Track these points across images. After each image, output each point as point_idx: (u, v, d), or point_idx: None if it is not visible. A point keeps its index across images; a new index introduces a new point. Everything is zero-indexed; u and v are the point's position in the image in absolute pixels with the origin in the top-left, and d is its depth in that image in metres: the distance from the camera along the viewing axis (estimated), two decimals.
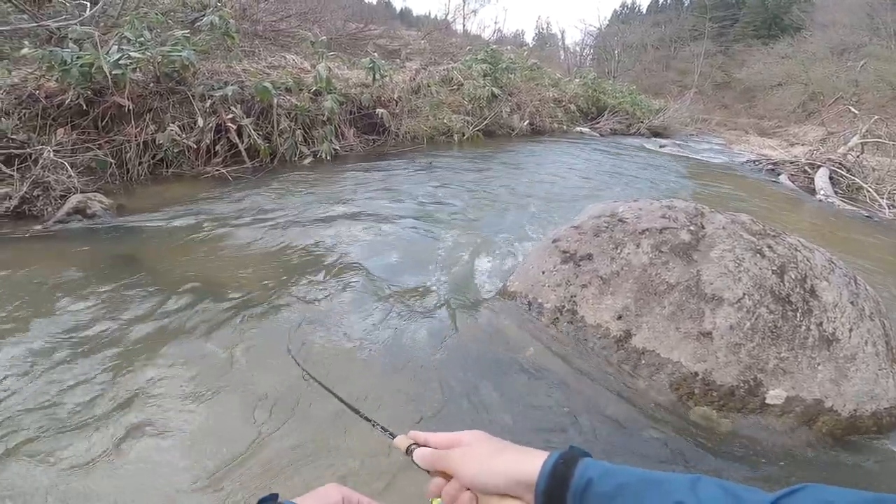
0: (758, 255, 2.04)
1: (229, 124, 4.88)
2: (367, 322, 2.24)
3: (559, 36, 46.37)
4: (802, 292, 1.99)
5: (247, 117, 5.04)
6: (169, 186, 4.32)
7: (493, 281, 2.70)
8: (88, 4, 4.90)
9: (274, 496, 0.52)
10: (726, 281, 1.97)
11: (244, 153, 4.99)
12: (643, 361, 1.96)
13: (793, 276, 2.00)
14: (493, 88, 8.76)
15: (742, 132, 17.75)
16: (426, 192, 4.57)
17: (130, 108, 4.29)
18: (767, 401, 1.83)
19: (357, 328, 2.18)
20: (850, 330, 1.96)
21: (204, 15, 5.29)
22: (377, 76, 6.95)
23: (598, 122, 12.25)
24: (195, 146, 4.71)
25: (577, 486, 0.44)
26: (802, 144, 12.39)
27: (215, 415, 1.64)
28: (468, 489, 0.52)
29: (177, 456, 1.47)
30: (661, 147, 10.42)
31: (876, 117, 9.90)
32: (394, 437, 0.64)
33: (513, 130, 9.12)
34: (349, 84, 6.82)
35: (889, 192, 6.19)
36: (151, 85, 4.66)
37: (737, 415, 1.83)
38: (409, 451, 0.60)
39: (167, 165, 4.63)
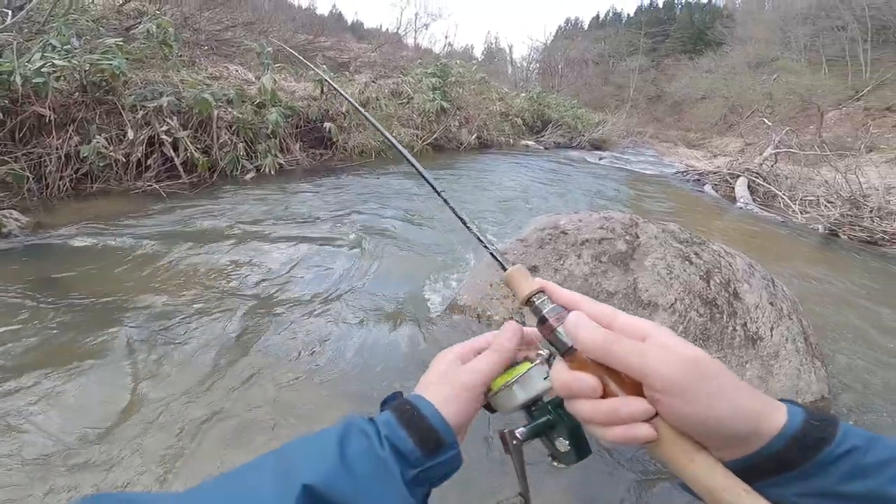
0: (686, 261, 2.19)
1: (164, 137, 4.62)
2: (312, 346, 2.17)
3: (507, 51, 48.07)
4: (727, 295, 2.15)
5: (184, 129, 4.79)
6: (94, 203, 4.01)
7: (442, 296, 2.71)
8: (10, 12, 4.49)
9: (397, 394, 0.47)
10: (660, 287, 2.09)
11: (180, 167, 4.73)
12: None
13: (718, 281, 2.16)
14: (443, 102, 8.91)
15: (672, 144, 19.11)
16: (374, 208, 4.53)
17: (52, 118, 3.96)
18: None
19: (300, 353, 2.11)
20: (772, 329, 2.13)
21: (140, 23, 5.01)
22: (325, 89, 6.86)
23: (542, 136, 12.76)
24: (124, 159, 4.41)
25: (831, 453, 0.35)
26: (725, 155, 13.53)
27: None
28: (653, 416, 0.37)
29: None
30: (600, 159, 11.01)
31: (787, 128, 11.00)
32: (506, 269, 0.47)
33: (461, 144, 9.29)
34: (295, 96, 6.69)
35: (801, 199, 6.87)
36: (77, 94, 4.33)
37: None
38: (530, 302, 0.43)
39: (92, 180, 4.30)
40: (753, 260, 2.45)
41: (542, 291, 0.43)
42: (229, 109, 5.35)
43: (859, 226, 5.71)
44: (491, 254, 0.53)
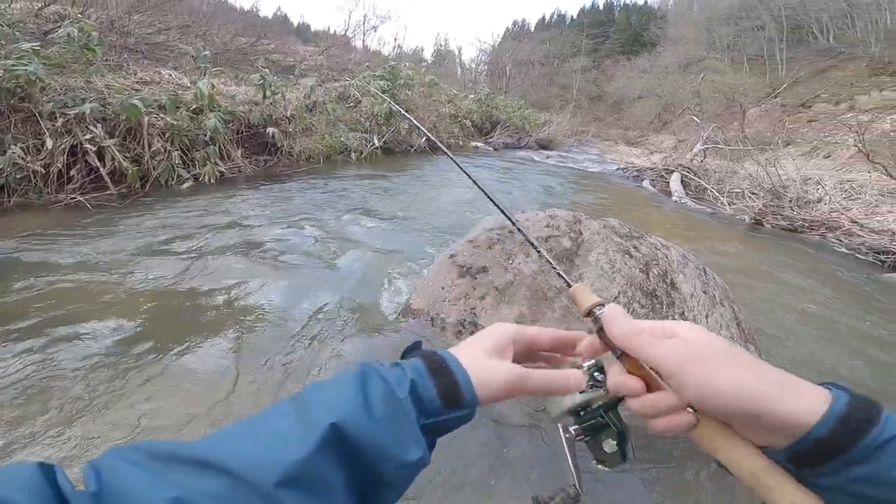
0: (627, 255, 2.30)
1: (87, 146, 4.28)
2: (261, 361, 2.09)
3: (456, 53, 48.58)
4: (665, 286, 2.28)
5: (110, 137, 4.46)
6: (11, 218, 3.65)
7: (396, 301, 2.69)
8: None
9: (417, 343, 0.48)
10: (604, 281, 2.18)
11: (107, 178, 4.39)
12: None
13: (656, 273, 2.29)
14: (392, 105, 8.84)
15: (613, 142, 20.10)
16: (321, 215, 4.42)
17: None
18: None
19: (250, 368, 2.02)
20: (707, 316, 2.27)
21: (60, 26, 4.60)
22: (268, 93, 6.63)
23: (491, 137, 12.99)
24: (43, 170, 4.05)
25: (876, 437, 0.34)
26: (660, 152, 14.38)
27: None
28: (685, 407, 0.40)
29: None
30: (547, 158, 11.38)
31: (714, 125, 11.85)
32: (571, 286, 0.51)
33: (411, 147, 9.28)
34: (236, 101, 6.40)
35: (728, 192, 7.42)
36: None
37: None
38: (591, 314, 0.47)
39: (9, 194, 3.91)
40: (686, 250, 2.62)
41: (601, 305, 0.47)
42: (162, 116, 5.04)
43: (781, 215, 6.25)
44: (558, 273, 0.59)
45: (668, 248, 2.48)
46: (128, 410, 1.72)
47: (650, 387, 0.42)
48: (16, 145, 3.90)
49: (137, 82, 5.83)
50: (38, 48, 4.24)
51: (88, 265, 2.86)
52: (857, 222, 5.66)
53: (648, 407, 0.41)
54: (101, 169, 4.37)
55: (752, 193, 7.01)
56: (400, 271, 3.15)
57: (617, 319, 0.44)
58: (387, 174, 6.87)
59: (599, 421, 0.47)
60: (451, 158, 0.83)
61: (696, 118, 14.43)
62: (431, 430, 0.42)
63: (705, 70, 25.69)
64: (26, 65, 3.95)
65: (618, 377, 0.44)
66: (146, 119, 4.77)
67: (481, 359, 0.45)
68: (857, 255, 5.15)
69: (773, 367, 0.39)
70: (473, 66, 42.33)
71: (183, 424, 1.68)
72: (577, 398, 0.47)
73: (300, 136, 6.93)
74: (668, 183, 8.28)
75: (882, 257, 4.93)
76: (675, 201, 7.30)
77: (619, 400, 0.46)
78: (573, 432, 0.48)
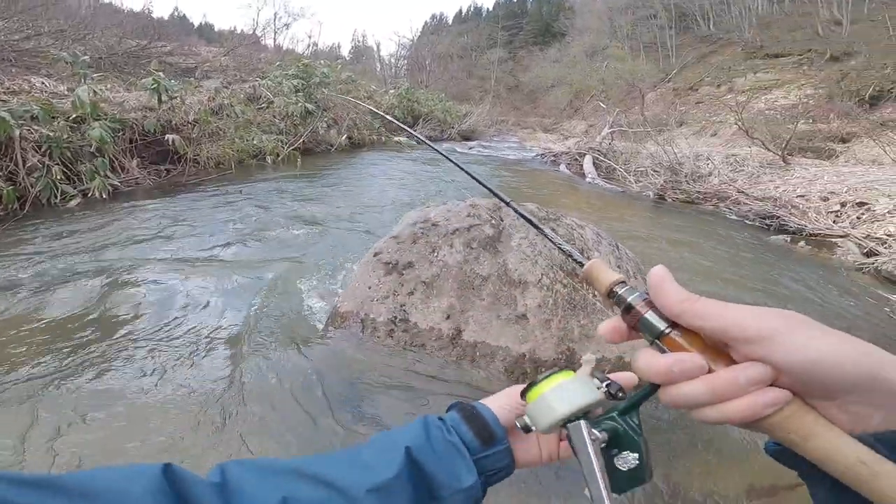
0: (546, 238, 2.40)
1: None
2: (189, 382, 1.91)
3: (375, 48, 47.60)
4: None
5: None
6: None
7: (323, 307, 2.59)
8: None
9: (460, 401, 0.55)
10: (527, 265, 2.26)
11: None
12: (478, 353, 2.12)
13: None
14: (307, 104, 8.50)
15: (532, 130, 20.94)
16: (234, 225, 4.13)
17: None
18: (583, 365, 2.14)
19: (174, 391, 1.85)
20: None
21: None
22: (164, 97, 6.05)
23: (414, 131, 12.96)
24: None
25: None
26: (574, 137, 15.24)
27: None
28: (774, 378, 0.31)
29: None
30: (470, 149, 11.61)
31: (618, 110, 12.76)
32: (584, 265, 0.41)
33: (331, 146, 9.00)
34: (126, 108, 5.78)
35: (634, 170, 8.04)
36: None
37: None
38: (612, 294, 0.38)
39: None
40: (600, 229, 2.79)
41: (623, 282, 0.38)
42: (36, 128, 4.42)
43: (679, 189, 6.90)
44: (564, 251, 0.50)
45: (583, 228, 2.63)
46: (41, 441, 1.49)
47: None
48: None
49: (5, 92, 5.07)
50: None
51: None
52: (743, 192, 6.40)
53: (723, 386, 0.32)
54: None
55: (654, 171, 7.66)
56: (324, 276, 3.05)
57: (667, 283, 0.35)
58: (306, 176, 6.59)
59: (615, 429, 0.38)
60: (431, 146, 0.92)
61: (602, 104, 15.46)
62: (479, 469, 0.49)
63: (609, 58, 27.51)
64: None
65: (662, 358, 0.34)
66: (17, 132, 4.16)
67: (512, 399, 0.53)
68: (746, 221, 5.82)
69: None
70: (393, 61, 41.88)
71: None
72: (577, 402, 0.39)
73: (206, 141, 6.42)
74: (582, 165, 8.80)
75: (767, 222, 5.62)
76: (589, 182, 7.78)
77: (644, 397, 0.38)
78: (599, 436, 0.38)
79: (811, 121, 11.98)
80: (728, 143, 11.39)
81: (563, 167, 9.20)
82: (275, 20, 27.39)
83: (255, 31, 23.33)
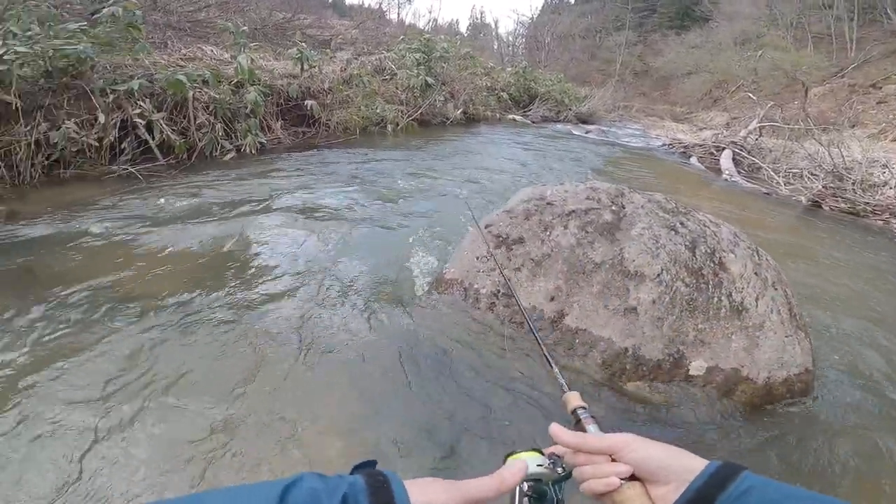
0: (672, 231, 2.18)
1: (137, 120, 4.45)
2: (304, 325, 2.14)
3: (493, 26, 47.06)
4: (713, 265, 2.15)
5: (158, 112, 4.62)
6: (69, 188, 3.88)
7: (428, 270, 2.68)
8: None
9: (371, 462, 0.51)
10: (646, 258, 2.09)
11: (156, 150, 4.57)
12: (577, 340, 2.03)
13: (703, 251, 2.16)
14: (427, 78, 8.72)
15: (658, 118, 19.06)
16: (357, 186, 4.45)
17: (18, 105, 3.79)
18: (691, 372, 1.91)
19: (291, 333, 2.08)
20: (757, 299, 2.10)
21: (104, 6, 4.75)
22: (305, 66, 6.66)
23: (529, 110, 12.61)
24: (97, 144, 4.25)
25: (736, 489, 0.46)
26: (710, 129, 13.54)
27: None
28: (628, 477, 0.53)
29: None
30: (586, 133, 10.94)
31: (772, 103, 11.03)
32: (566, 392, 0.66)
33: (447, 119, 9.15)
34: (275, 75, 6.47)
35: (784, 171, 6.93)
36: (42, 81, 4.14)
37: (666, 387, 1.91)
38: (575, 413, 0.62)
39: (65, 166, 4.15)
40: (738, 230, 2.46)
41: (584, 407, 0.62)
42: (205, 90, 5.16)
43: (842, 197, 5.79)
44: (557, 374, 0.72)
45: (717, 226, 2.34)
46: (170, 366, 1.81)
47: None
48: (70, 120, 4.09)
49: (181, 59, 5.98)
50: (85, 28, 4.39)
51: (143, 230, 3.01)
52: None
53: (591, 472, 0.55)
54: (151, 141, 4.55)
55: (812, 174, 6.51)
56: (433, 241, 3.14)
57: (562, 432, 0.59)
58: (423, 146, 6.82)
59: (546, 491, 0.58)
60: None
61: (752, 95, 13.43)
62: None
63: (765, 47, 23.79)
64: (75, 45, 4.11)
65: (605, 467, 0.56)
66: (191, 94, 4.91)
67: (425, 488, 0.46)
68: None
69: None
70: (511, 39, 40.97)
71: (216, 381, 1.75)
72: (534, 470, 0.57)
73: (337, 108, 6.96)
74: (718, 160, 7.81)
75: None
76: (726, 179, 6.89)
77: (566, 477, 0.58)
78: (527, 487, 0.59)
79: None
80: None
81: (694, 160, 8.26)
82: None
83: (380, 5, 24.34)
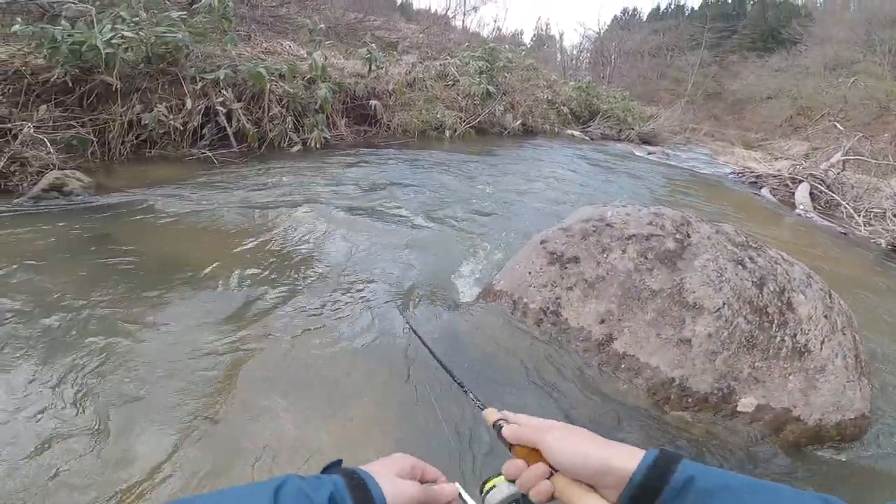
0: (739, 265, 2.08)
1: (219, 108, 4.80)
2: (350, 323, 2.21)
3: (557, 38, 46.52)
4: (780, 304, 2.03)
5: (238, 101, 4.95)
6: (151, 167, 4.24)
7: (478, 280, 2.70)
8: None
9: (338, 462, 0.53)
10: (707, 290, 2.00)
11: (232, 137, 4.90)
12: (623, 365, 1.99)
13: (771, 289, 2.05)
14: (489, 86, 8.76)
15: (728, 143, 18.04)
16: (414, 188, 4.55)
17: (118, 87, 4.19)
18: (739, 408, 1.87)
19: (338, 329, 2.16)
20: (822, 342, 2.01)
21: None
22: (373, 67, 6.90)
23: (589, 126, 12.34)
24: (182, 128, 4.61)
25: (677, 481, 0.44)
26: (786, 158, 12.66)
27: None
28: (550, 475, 0.52)
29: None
30: (648, 154, 10.55)
31: (860, 135, 10.17)
32: (483, 409, 0.66)
33: (505, 129, 9.14)
34: (344, 73, 6.76)
35: (866, 210, 6.37)
36: (141, 65, 4.55)
37: (710, 420, 1.87)
38: (495, 426, 0.62)
39: (151, 146, 4.54)
40: (811, 270, 2.30)
41: (504, 420, 0.62)
42: (281, 84, 5.47)
43: None
44: (470, 396, 0.72)
45: (790, 265, 2.20)
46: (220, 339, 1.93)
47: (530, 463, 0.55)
48: (161, 104, 4.48)
49: (262, 52, 6.38)
50: (184, 17, 4.78)
51: (215, 209, 3.24)
52: None
53: (528, 479, 0.53)
54: (228, 129, 4.88)
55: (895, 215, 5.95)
56: (484, 251, 3.16)
57: (515, 431, 0.58)
58: (479, 154, 6.86)
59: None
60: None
61: (838, 125, 12.42)
62: None
63: (858, 74, 21.92)
64: (175, 32, 4.49)
65: (508, 464, 0.56)
66: (268, 86, 5.22)
67: (394, 479, 0.52)
68: None
69: (613, 441, 0.52)
70: (575, 52, 40.29)
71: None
72: (505, 494, 0.57)
73: (399, 109, 7.16)
74: (793, 193, 7.28)
75: None
76: (799, 214, 6.42)
77: (524, 495, 0.56)
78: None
79: None
80: None
81: (765, 191, 7.75)
82: (464, 2, 28.42)
83: (447, 11, 24.71)
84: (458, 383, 0.76)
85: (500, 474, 0.58)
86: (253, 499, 0.43)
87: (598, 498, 0.49)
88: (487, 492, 0.57)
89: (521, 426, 0.58)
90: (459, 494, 0.59)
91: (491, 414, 0.64)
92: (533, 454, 0.55)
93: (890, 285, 4.16)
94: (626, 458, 0.48)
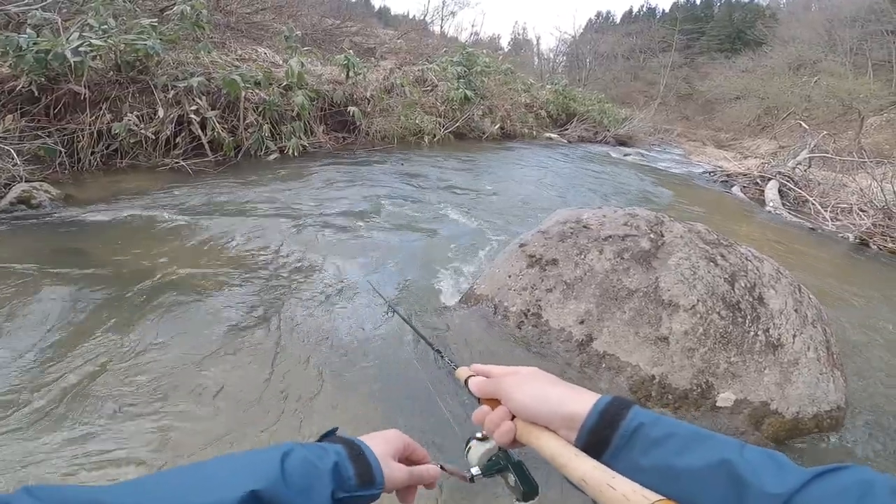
0: (711, 263, 2.14)
1: (192, 116, 4.70)
2: (332, 329, 2.20)
3: (534, 42, 47.20)
4: (751, 300, 2.10)
5: (212, 109, 4.87)
6: (123, 178, 4.13)
7: (459, 285, 2.71)
8: None
9: (334, 430, 0.56)
10: (682, 288, 2.05)
11: (206, 146, 4.81)
12: (604, 365, 2.02)
13: (743, 285, 2.11)
14: (467, 91, 8.82)
15: (700, 143, 18.55)
16: (392, 194, 4.53)
17: (87, 96, 4.07)
18: (718, 403, 1.91)
19: (316, 336, 2.14)
20: (794, 336, 2.08)
21: (174, 3, 5.07)
22: (351, 73, 6.87)
23: (566, 129, 12.52)
24: (154, 137, 4.51)
25: (626, 428, 0.45)
26: (755, 157, 13.08)
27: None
28: (511, 419, 0.54)
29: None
30: (625, 156, 10.76)
31: (824, 133, 10.58)
32: (456, 368, 0.69)
33: (484, 134, 9.20)
34: (322, 80, 6.71)
35: (832, 206, 6.62)
36: (111, 73, 4.44)
37: (691, 416, 1.91)
38: (466, 382, 0.64)
39: (122, 156, 4.42)
40: (781, 265, 2.38)
41: (474, 375, 0.63)
42: (257, 91, 5.41)
43: (891, 237, 5.49)
44: (438, 353, 0.78)
45: (760, 261, 2.28)
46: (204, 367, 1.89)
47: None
48: (132, 113, 4.37)
49: (237, 59, 6.28)
50: (155, 24, 4.68)
51: (188, 221, 3.17)
52: None
53: (491, 421, 0.55)
54: (203, 138, 4.79)
55: (861, 210, 6.20)
56: (463, 257, 3.17)
57: (478, 382, 0.60)
58: (458, 158, 6.89)
59: (500, 462, 0.58)
60: None
61: (803, 123, 12.91)
62: (342, 502, 0.47)
63: (820, 73, 22.80)
64: (145, 40, 4.39)
65: (477, 412, 0.58)
66: (244, 94, 5.15)
67: (388, 461, 0.54)
68: None
69: (572, 384, 0.53)
70: (551, 56, 40.92)
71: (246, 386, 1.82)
72: (482, 450, 0.58)
73: (378, 116, 7.14)
74: (763, 191, 7.53)
75: None
76: (769, 211, 6.63)
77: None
78: (472, 473, 0.58)
79: None
80: None
81: (735, 189, 7.99)
82: (442, 8, 28.63)
83: (425, 16, 24.84)
84: (434, 348, 0.80)
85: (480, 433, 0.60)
86: (262, 465, 0.43)
87: (556, 437, 0.49)
88: (468, 452, 0.59)
89: (483, 378, 0.60)
90: (441, 466, 0.60)
91: (462, 372, 0.66)
92: (496, 402, 0.57)
93: (860, 277, 4.33)
94: (580, 403, 0.49)
